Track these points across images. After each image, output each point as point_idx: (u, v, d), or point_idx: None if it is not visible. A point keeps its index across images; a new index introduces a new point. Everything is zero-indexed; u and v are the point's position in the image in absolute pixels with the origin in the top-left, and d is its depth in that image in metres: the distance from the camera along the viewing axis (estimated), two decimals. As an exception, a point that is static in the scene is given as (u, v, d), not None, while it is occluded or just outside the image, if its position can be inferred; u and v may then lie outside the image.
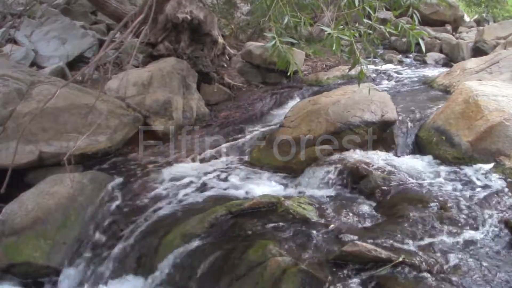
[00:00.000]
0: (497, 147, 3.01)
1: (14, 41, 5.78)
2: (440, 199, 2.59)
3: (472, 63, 5.26)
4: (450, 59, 7.54)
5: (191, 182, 3.35)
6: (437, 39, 8.33)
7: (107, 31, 6.97)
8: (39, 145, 3.47)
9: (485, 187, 2.72)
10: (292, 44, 3.12)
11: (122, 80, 4.38)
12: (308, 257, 2.15)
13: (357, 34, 3.04)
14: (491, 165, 2.91)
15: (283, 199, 2.75)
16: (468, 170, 2.95)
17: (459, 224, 2.36)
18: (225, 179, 3.38)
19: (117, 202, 3.12)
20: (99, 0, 5.31)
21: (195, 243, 2.46)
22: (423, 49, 3.10)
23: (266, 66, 5.70)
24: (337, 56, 4.14)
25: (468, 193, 2.68)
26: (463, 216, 2.42)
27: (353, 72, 3.46)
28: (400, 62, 7.42)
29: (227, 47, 6.01)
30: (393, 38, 8.43)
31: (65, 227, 2.76)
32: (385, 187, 2.82)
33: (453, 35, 9.30)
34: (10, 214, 2.77)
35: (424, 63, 7.45)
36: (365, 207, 2.75)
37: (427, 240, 2.22)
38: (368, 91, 3.58)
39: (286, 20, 2.84)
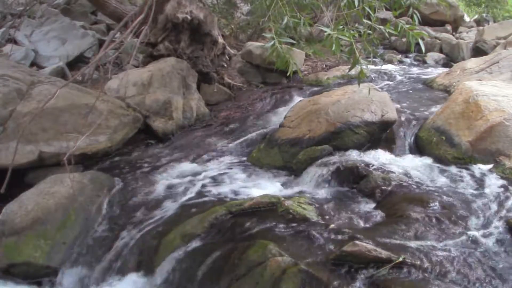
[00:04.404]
0: (497, 147, 3.01)
1: (14, 41, 5.78)
2: (440, 199, 2.59)
3: (472, 63, 5.27)
4: (450, 59, 7.54)
5: (191, 182, 3.35)
6: (437, 39, 8.33)
7: (107, 31, 6.98)
8: (39, 145, 3.47)
9: (485, 187, 2.72)
10: (292, 44, 3.11)
11: (122, 80, 4.38)
12: (308, 257, 2.15)
13: (356, 35, 3.04)
14: (491, 165, 2.92)
15: (283, 199, 2.75)
16: (468, 170, 2.95)
17: (459, 224, 2.36)
18: (225, 179, 3.38)
19: (117, 202, 3.12)
20: (99, 0, 5.30)
21: (195, 243, 2.46)
22: (423, 49, 3.11)
23: (266, 66, 5.71)
24: (337, 56, 4.14)
25: (468, 193, 2.68)
26: (463, 216, 2.42)
27: (353, 72, 3.46)
28: (400, 62, 7.42)
29: (227, 47, 6.00)
30: (393, 38, 8.43)
31: (65, 227, 2.76)
32: (385, 187, 2.82)
33: (453, 35, 9.31)
34: (10, 214, 2.77)
35: (424, 63, 7.45)
36: (365, 207, 2.75)
37: (427, 240, 2.22)
38: (368, 91, 3.58)
39: (285, 21, 2.84)
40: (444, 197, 2.62)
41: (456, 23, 10.56)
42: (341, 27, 2.87)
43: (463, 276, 1.95)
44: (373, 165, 3.10)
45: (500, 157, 2.94)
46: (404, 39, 7.63)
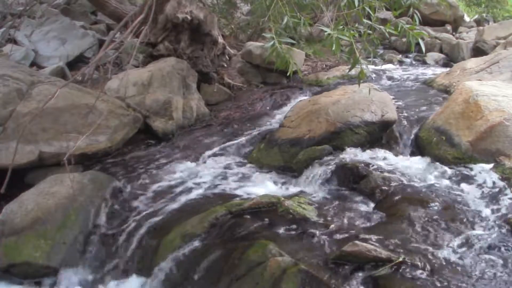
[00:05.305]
0: (497, 147, 3.01)
1: (14, 41, 5.78)
2: (440, 199, 2.60)
3: (472, 63, 5.26)
4: (450, 59, 7.54)
5: (191, 182, 3.35)
6: (437, 39, 8.32)
7: (107, 31, 6.97)
8: (39, 145, 3.47)
9: (485, 187, 2.72)
10: (292, 44, 3.11)
11: (122, 80, 4.37)
12: (308, 257, 2.15)
13: (356, 35, 3.04)
14: (491, 165, 2.91)
15: (283, 199, 2.75)
16: (468, 170, 2.95)
17: (459, 224, 2.36)
18: (225, 179, 3.38)
19: (117, 202, 3.13)
20: (99, 0, 5.31)
21: (195, 243, 2.46)
22: (423, 49, 3.11)
23: (266, 66, 5.69)
24: (337, 56, 4.15)
25: (468, 193, 2.68)
26: (463, 216, 2.43)
27: (353, 72, 3.45)
28: (400, 62, 7.41)
29: (227, 47, 6.00)
30: (393, 38, 8.42)
31: (65, 227, 2.76)
32: (385, 187, 2.82)
33: (453, 35, 9.29)
34: (10, 214, 2.77)
35: (424, 63, 7.45)
36: (365, 207, 2.75)
37: (427, 240, 2.23)
38: (368, 91, 3.58)
39: (285, 21, 2.84)
40: (444, 197, 2.63)
41: (456, 23, 10.55)
42: (341, 27, 2.87)
43: (463, 276, 1.95)
44: (373, 165, 3.10)
45: (500, 157, 2.93)
46: (404, 39, 7.61)
